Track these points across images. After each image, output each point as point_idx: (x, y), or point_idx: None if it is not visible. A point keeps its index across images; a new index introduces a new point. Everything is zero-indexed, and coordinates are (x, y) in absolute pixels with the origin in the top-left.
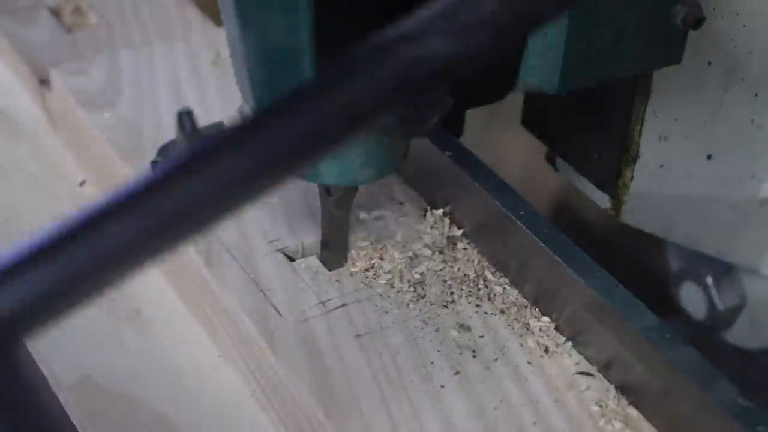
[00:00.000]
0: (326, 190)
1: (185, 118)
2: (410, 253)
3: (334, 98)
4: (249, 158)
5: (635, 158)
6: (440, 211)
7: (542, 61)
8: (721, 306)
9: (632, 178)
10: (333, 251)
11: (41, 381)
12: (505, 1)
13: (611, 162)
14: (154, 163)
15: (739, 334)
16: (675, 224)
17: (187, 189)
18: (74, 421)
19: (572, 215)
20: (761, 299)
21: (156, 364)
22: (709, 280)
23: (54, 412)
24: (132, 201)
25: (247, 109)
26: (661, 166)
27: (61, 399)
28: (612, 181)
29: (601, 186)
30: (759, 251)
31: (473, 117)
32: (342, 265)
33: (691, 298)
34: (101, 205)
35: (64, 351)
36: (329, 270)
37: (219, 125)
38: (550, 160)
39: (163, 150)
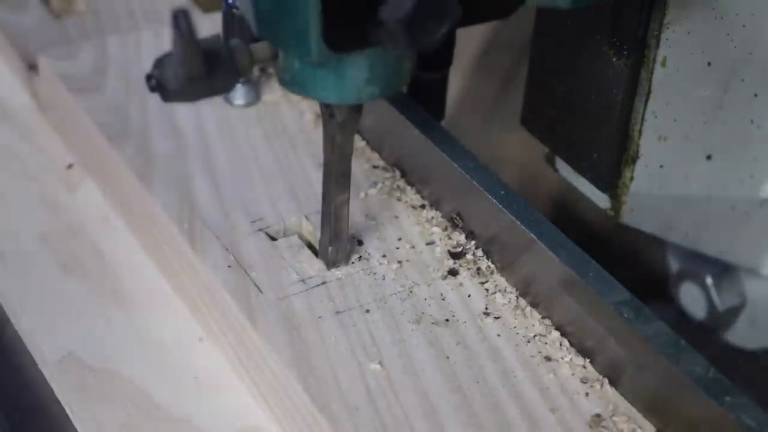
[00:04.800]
0: (329, 113)
1: (181, 18)
2: (390, 234)
3: None
4: None
5: (635, 158)
6: (419, 195)
7: None
8: (721, 306)
9: (632, 178)
10: (336, 181)
11: (26, 357)
12: None
13: (611, 162)
14: (149, 77)
15: (739, 334)
16: (675, 224)
17: None
18: (58, 396)
19: (572, 215)
20: (761, 299)
21: (139, 340)
22: (709, 280)
23: (38, 387)
24: None
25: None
26: (661, 166)
27: (46, 374)
28: (612, 181)
29: (601, 186)
30: (759, 251)
31: (473, 116)
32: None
33: (691, 298)
34: None
35: (50, 328)
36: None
37: (217, 37)
38: (550, 160)
39: (159, 63)
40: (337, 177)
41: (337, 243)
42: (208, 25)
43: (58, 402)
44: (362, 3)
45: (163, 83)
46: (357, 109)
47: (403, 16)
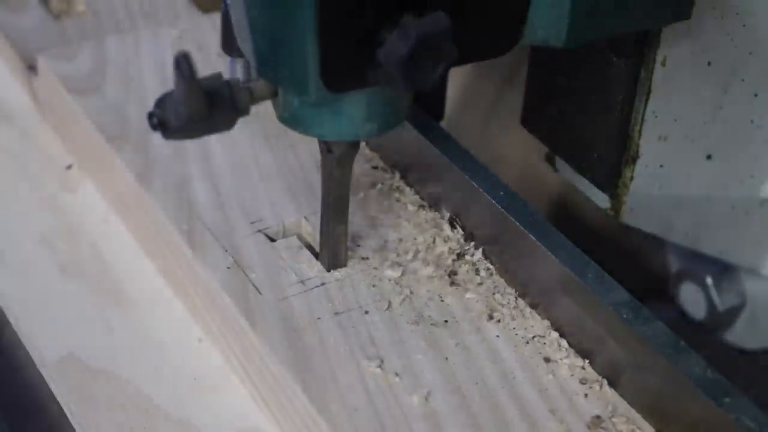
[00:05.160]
0: (327, 148)
1: (183, 62)
2: (389, 235)
3: None
4: None
5: (635, 158)
6: (418, 195)
7: (549, 12)
8: (721, 306)
9: (632, 178)
10: (334, 213)
11: (25, 357)
12: None
13: (611, 162)
14: (151, 115)
15: (739, 334)
16: (675, 224)
17: None
18: (57, 397)
19: (572, 215)
20: (761, 299)
21: (139, 341)
22: (709, 280)
23: (38, 387)
24: None
25: (239, 68)
26: (661, 166)
27: (45, 375)
28: (612, 181)
29: (601, 186)
30: (759, 251)
31: (473, 116)
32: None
33: (691, 298)
34: None
35: (49, 329)
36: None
37: (218, 76)
38: (550, 160)
39: (161, 102)
40: (335, 209)
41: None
42: (208, 26)
43: (58, 402)
44: (360, 45)
45: (165, 122)
46: (355, 144)
47: (400, 59)
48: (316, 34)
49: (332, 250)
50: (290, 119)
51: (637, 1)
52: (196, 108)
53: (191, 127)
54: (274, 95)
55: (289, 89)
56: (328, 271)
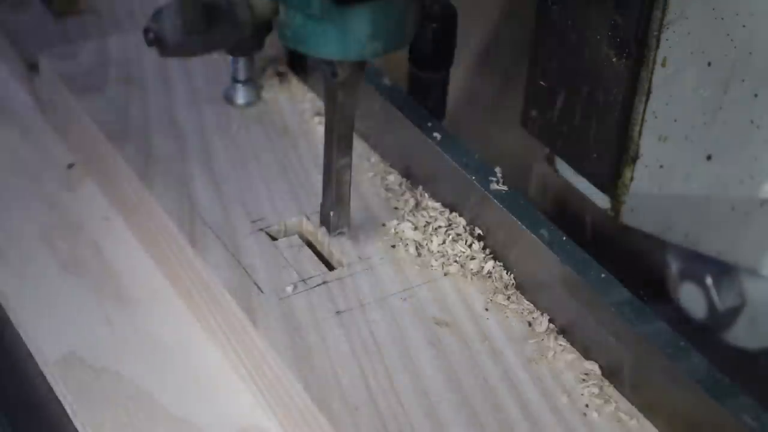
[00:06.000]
0: (331, 72)
1: None
2: (390, 234)
3: None
4: None
5: (635, 158)
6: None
7: None
8: (720, 306)
9: (632, 178)
10: (338, 144)
11: (26, 357)
12: None
13: (611, 162)
14: (147, 30)
15: (739, 334)
16: (675, 224)
17: None
18: (59, 396)
19: (572, 215)
20: (761, 299)
21: (140, 340)
22: (709, 280)
23: (38, 387)
24: None
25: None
26: (661, 167)
27: (46, 374)
28: (612, 181)
29: (601, 186)
30: (759, 251)
31: (473, 116)
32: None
33: (691, 299)
34: None
35: (51, 328)
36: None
37: None
38: (550, 160)
39: (157, 15)
40: (338, 140)
41: (339, 208)
42: None
43: (59, 402)
44: None
45: (161, 37)
46: (360, 66)
47: None
48: None
49: (335, 188)
50: (292, 38)
51: None
52: (195, 21)
53: (189, 42)
54: (275, 13)
55: (292, 3)
56: (331, 209)
